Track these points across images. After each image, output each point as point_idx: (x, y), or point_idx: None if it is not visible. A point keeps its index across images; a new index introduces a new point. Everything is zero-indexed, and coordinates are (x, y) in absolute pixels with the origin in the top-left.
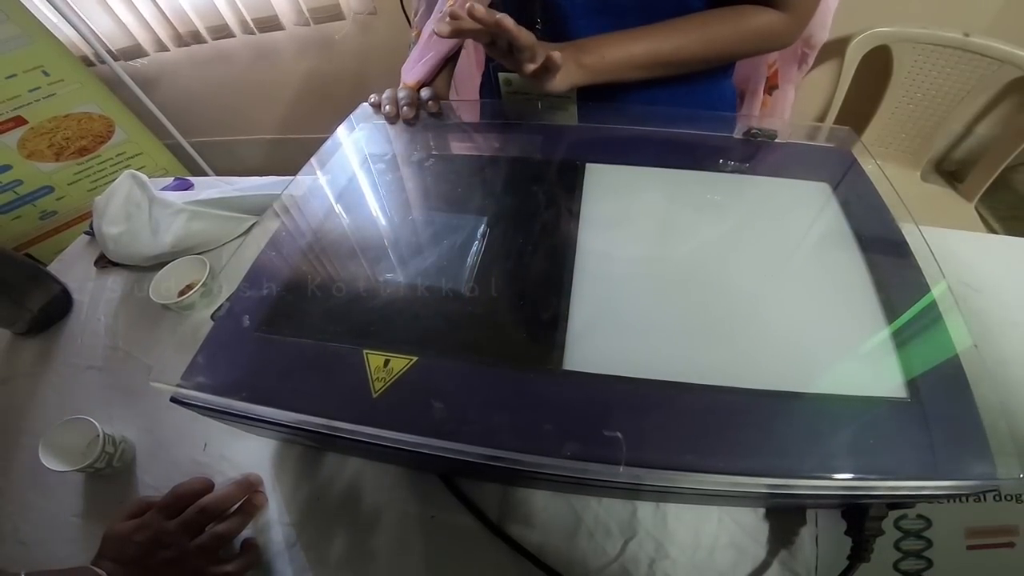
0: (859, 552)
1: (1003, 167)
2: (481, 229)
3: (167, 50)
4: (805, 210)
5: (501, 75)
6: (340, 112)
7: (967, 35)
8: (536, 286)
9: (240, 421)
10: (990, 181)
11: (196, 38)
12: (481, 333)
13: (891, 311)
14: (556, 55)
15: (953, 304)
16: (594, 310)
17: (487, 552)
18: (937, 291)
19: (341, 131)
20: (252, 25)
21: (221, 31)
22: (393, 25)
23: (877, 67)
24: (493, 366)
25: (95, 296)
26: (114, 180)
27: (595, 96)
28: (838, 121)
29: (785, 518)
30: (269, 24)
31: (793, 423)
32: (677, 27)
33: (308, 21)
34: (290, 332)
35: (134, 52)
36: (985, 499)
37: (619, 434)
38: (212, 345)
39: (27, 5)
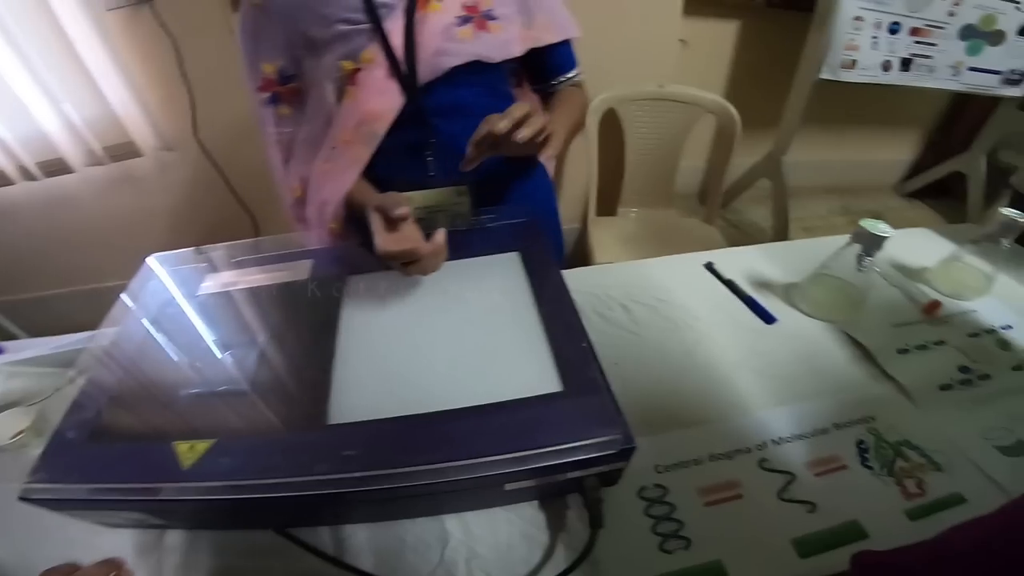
0: (594, 520)
1: (724, 193)
2: (261, 341)
3: None
4: (501, 275)
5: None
6: (159, 250)
7: (661, 86)
8: (305, 372)
9: (83, 507)
10: (718, 207)
11: None
12: (264, 413)
13: (552, 334)
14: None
15: (604, 321)
16: (349, 381)
17: None
18: (584, 314)
19: (130, 289)
20: (35, 170)
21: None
22: (192, 158)
23: (614, 127)
24: (275, 432)
25: None
26: None
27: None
28: (600, 180)
29: (553, 507)
30: (55, 168)
31: (494, 423)
32: (569, 105)
33: (103, 160)
34: (113, 440)
35: None
36: (703, 462)
37: (353, 451)
38: (51, 454)
39: None
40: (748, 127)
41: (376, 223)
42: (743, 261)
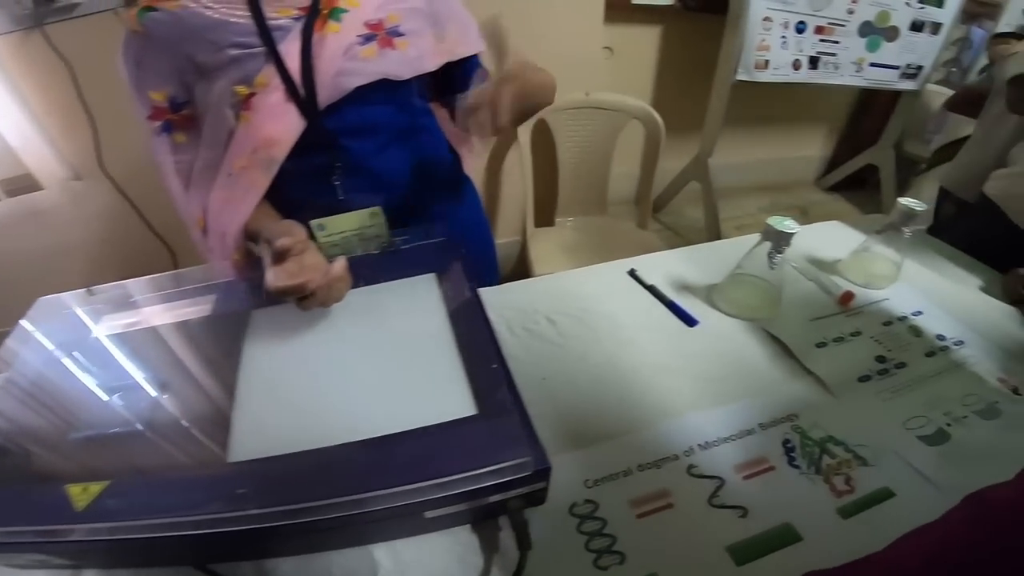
0: (521, 542)
1: (659, 196)
2: (157, 381)
3: None
4: (416, 298)
5: (313, 222)
6: (73, 288)
7: (587, 94)
8: (204, 411)
9: None
10: (649, 212)
11: None
12: (161, 453)
13: (467, 356)
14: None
15: (531, 336)
16: (252, 418)
17: None
18: (512, 330)
19: (18, 331)
20: None
21: None
22: (100, 190)
23: (546, 138)
24: (172, 472)
25: None
26: None
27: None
28: (536, 193)
29: (485, 529)
30: None
31: (406, 451)
32: None
33: None
34: (4, 484)
35: None
36: (632, 472)
37: (246, 489)
38: None
39: None
40: (677, 130)
41: (266, 256)
42: (665, 265)
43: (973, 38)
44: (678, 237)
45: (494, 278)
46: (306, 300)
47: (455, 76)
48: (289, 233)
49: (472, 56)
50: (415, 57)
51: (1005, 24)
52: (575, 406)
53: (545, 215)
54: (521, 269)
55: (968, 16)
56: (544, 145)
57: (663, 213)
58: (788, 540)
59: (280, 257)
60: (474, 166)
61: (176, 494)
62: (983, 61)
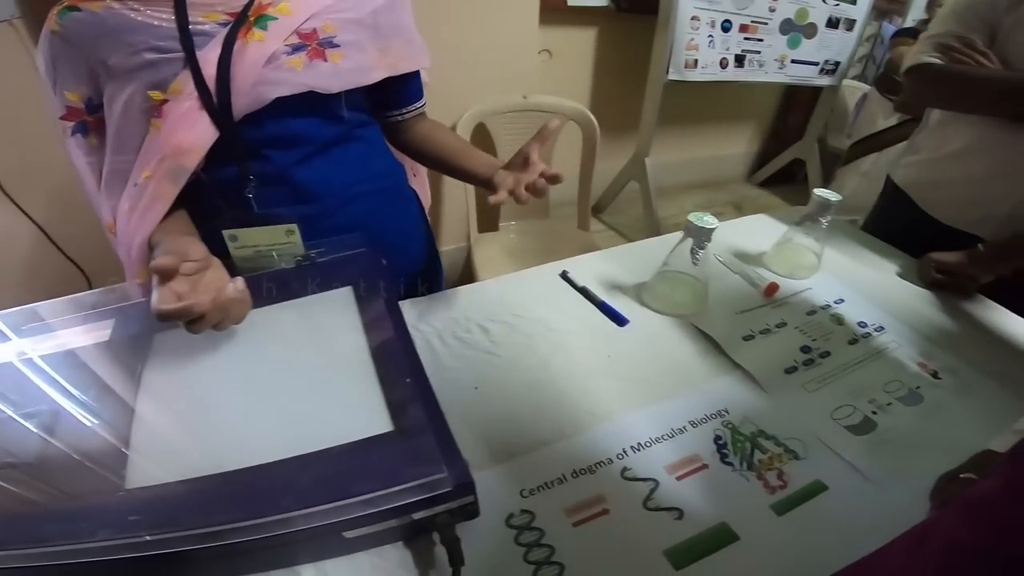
0: (452, 559)
1: (601, 196)
2: (49, 412)
3: None
4: (331, 313)
5: (226, 232)
6: None
7: (525, 97)
8: (100, 439)
9: None
10: (589, 213)
11: None
12: (55, 480)
13: (382, 371)
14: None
15: (463, 345)
16: (152, 443)
17: None
18: (444, 340)
19: None
20: None
21: None
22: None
23: (486, 142)
24: (64, 501)
25: None
26: None
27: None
28: (479, 198)
29: (419, 545)
30: None
31: (317, 471)
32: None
33: None
34: None
35: None
36: (567, 479)
37: (140, 516)
38: None
39: None
40: (616, 131)
41: (154, 276)
42: (597, 266)
43: (885, 34)
44: (620, 237)
45: (440, 286)
46: (195, 324)
47: (394, 91)
48: (180, 252)
49: (414, 72)
50: (349, 69)
51: (910, 19)
52: (508, 414)
53: (489, 220)
54: (468, 275)
55: (879, 13)
56: (483, 149)
57: (606, 213)
58: (725, 540)
59: (167, 276)
60: (424, 175)
61: (68, 522)
62: None
